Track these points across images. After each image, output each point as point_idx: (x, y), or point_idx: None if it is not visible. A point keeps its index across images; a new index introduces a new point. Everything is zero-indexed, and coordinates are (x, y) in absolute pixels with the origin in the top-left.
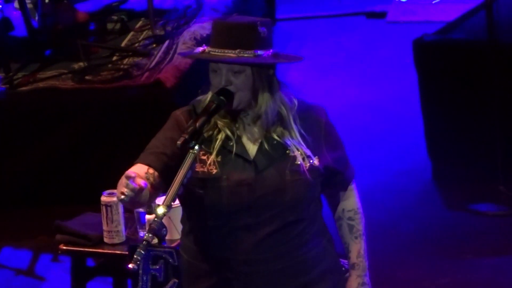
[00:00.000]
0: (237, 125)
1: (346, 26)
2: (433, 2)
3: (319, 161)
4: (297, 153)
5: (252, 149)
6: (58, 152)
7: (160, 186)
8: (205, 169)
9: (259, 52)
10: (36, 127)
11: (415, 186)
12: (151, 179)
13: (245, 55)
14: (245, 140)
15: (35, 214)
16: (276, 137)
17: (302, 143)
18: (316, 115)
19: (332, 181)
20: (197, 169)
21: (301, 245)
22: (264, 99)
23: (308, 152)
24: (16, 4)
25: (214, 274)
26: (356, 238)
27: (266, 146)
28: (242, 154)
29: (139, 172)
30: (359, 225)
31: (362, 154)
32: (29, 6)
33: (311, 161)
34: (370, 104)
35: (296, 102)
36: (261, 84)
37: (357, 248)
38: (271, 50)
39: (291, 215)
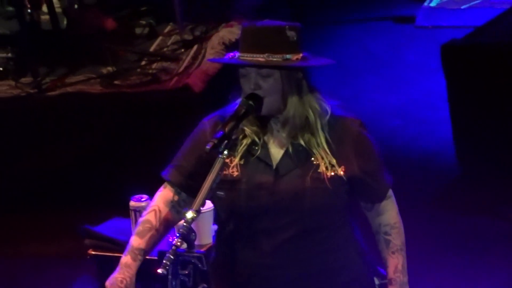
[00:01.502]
0: (265, 130)
1: (374, 31)
2: (462, 7)
3: (345, 171)
4: (320, 161)
5: (277, 154)
6: (86, 156)
7: (188, 205)
8: (227, 172)
9: (288, 56)
10: (64, 131)
11: (443, 189)
12: (177, 205)
13: (274, 59)
14: (271, 145)
15: (62, 218)
16: (302, 143)
17: (328, 151)
18: (347, 125)
19: (362, 193)
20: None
21: (323, 254)
22: (294, 105)
23: (333, 161)
24: (44, 9)
25: (237, 276)
26: (393, 253)
27: (291, 151)
28: (264, 158)
29: (166, 202)
30: (397, 239)
31: (391, 158)
32: (58, 10)
33: (335, 170)
34: (398, 109)
35: (328, 109)
36: (290, 88)
37: (395, 263)
38: (300, 54)
39: (311, 223)
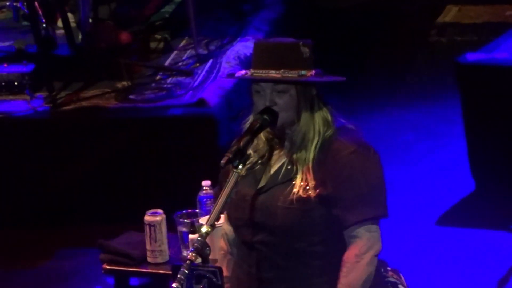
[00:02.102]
0: (274, 146)
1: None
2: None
3: (316, 194)
4: (298, 182)
5: (273, 169)
6: (101, 170)
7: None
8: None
9: (303, 72)
10: (79, 145)
11: (457, 205)
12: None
13: (290, 75)
14: (273, 159)
15: (77, 233)
16: (294, 160)
17: (311, 172)
18: (338, 149)
19: (332, 218)
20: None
21: (306, 276)
22: (306, 119)
23: (311, 182)
24: (59, 23)
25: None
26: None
27: (283, 168)
28: (258, 172)
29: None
30: (343, 278)
31: (405, 173)
32: (72, 25)
33: (308, 192)
34: (412, 123)
35: (331, 129)
36: (305, 104)
37: None
38: (313, 71)
39: (284, 242)
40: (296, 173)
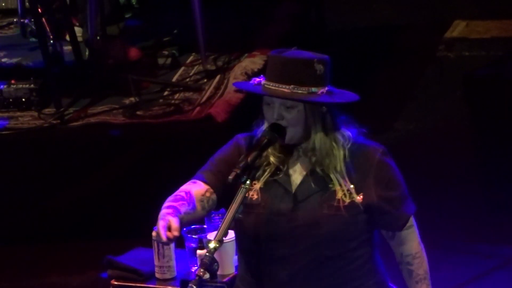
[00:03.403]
0: (288, 157)
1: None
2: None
3: (362, 199)
4: (338, 188)
5: (296, 179)
6: (108, 186)
7: (212, 207)
8: (248, 195)
9: (313, 89)
10: (87, 161)
11: (466, 218)
12: (205, 202)
13: (299, 91)
14: (292, 170)
15: (85, 248)
16: (320, 170)
17: (346, 179)
18: (368, 152)
19: (381, 221)
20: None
21: (340, 283)
22: (318, 136)
23: (351, 188)
24: (67, 37)
25: None
26: (417, 283)
27: (310, 178)
28: (284, 183)
29: (197, 193)
30: (419, 269)
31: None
32: (80, 40)
33: (352, 197)
34: (420, 137)
35: (349, 138)
36: (313, 120)
37: None
38: (326, 88)
39: (327, 250)
40: (330, 181)
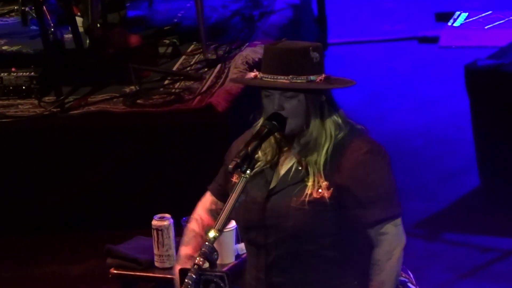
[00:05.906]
0: (283, 149)
1: (398, 51)
2: (486, 27)
3: (330, 195)
4: (310, 182)
5: (281, 171)
6: (109, 175)
7: None
8: (237, 182)
9: (312, 78)
10: (87, 150)
11: (466, 212)
12: (215, 213)
13: (298, 81)
14: (282, 162)
15: (85, 238)
16: (303, 163)
17: (322, 174)
18: (352, 149)
19: (351, 218)
20: (233, 179)
21: (313, 281)
22: (316, 125)
23: (322, 184)
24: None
25: None
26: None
27: (293, 170)
28: (267, 174)
29: (207, 208)
30: (376, 276)
31: (414, 179)
32: (80, 29)
33: (321, 193)
34: (421, 129)
35: (344, 132)
36: (314, 110)
37: None
38: (323, 75)
39: (297, 244)
40: (307, 174)
